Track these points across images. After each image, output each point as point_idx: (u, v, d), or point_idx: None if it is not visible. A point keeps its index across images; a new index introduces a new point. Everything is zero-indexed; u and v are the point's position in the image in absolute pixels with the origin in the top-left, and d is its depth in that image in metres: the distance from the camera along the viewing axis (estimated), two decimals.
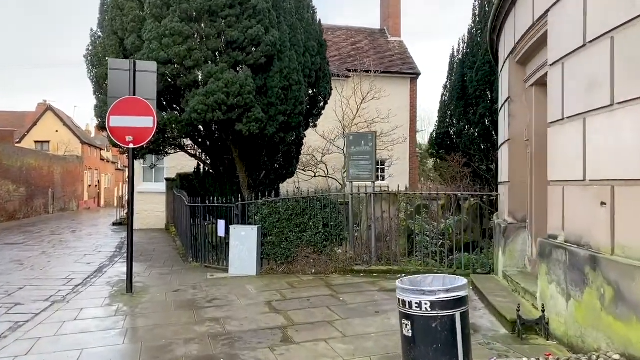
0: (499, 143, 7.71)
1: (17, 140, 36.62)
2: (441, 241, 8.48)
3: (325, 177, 16.87)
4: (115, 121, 7.03)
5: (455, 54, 15.64)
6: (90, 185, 40.19)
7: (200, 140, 11.36)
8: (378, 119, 17.72)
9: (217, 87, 8.78)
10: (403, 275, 7.87)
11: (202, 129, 10.94)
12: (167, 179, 16.79)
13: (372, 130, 8.57)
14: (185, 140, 11.41)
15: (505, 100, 6.80)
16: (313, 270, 8.25)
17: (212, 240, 9.73)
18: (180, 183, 15.96)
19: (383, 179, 19.93)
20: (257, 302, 6.47)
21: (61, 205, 31.29)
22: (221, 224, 8.99)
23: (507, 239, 6.63)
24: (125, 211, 22.40)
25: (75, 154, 36.12)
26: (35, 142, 36.87)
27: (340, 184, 17.19)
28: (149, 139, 7.14)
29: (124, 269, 7.52)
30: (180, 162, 17.53)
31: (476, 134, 13.91)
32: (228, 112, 8.99)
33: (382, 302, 6.31)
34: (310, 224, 8.47)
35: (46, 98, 41.45)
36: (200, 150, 11.91)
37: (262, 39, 9.32)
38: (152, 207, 17.50)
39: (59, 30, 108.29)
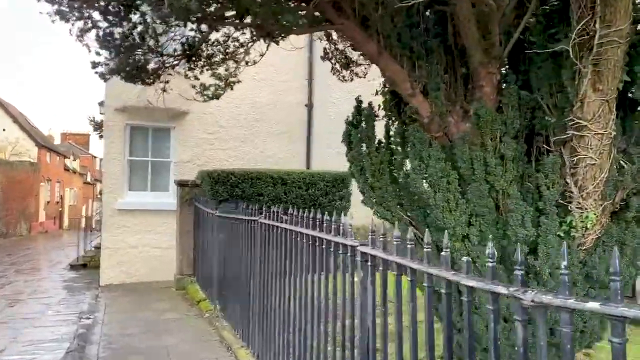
0: None
1: None
2: None
3: None
4: None
5: None
6: (49, 202, 30.86)
7: None
8: None
9: None
10: None
11: None
12: (182, 184, 8.30)
13: None
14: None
15: None
16: None
17: None
18: (211, 190, 7.58)
19: None
20: None
21: (0, 229, 22.09)
22: None
23: None
24: (96, 241, 13.70)
25: (28, 159, 26.99)
26: None
27: None
28: None
29: None
30: (204, 152, 9.18)
31: None
32: None
33: None
34: None
35: None
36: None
37: None
38: (147, 239, 8.95)
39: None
